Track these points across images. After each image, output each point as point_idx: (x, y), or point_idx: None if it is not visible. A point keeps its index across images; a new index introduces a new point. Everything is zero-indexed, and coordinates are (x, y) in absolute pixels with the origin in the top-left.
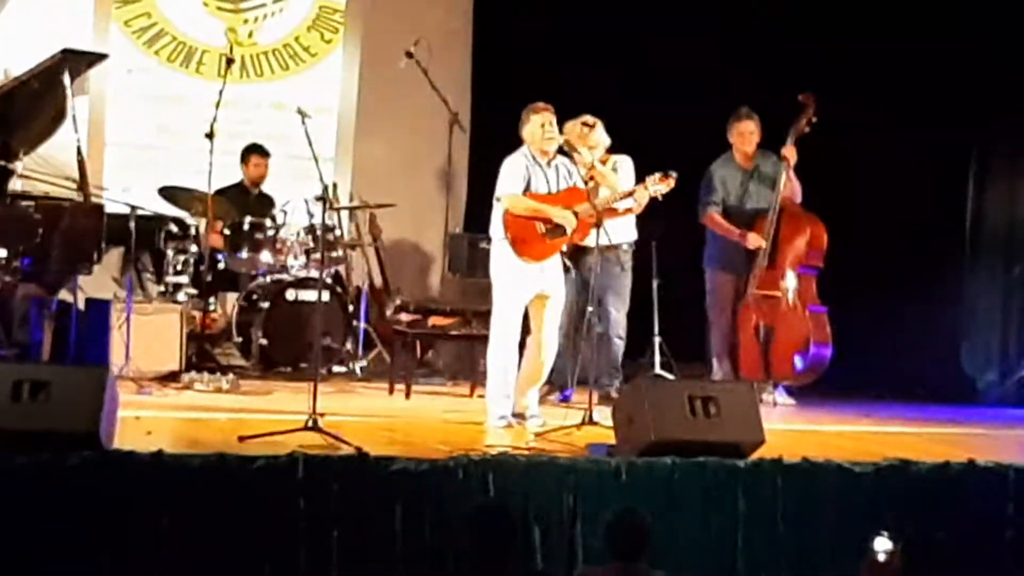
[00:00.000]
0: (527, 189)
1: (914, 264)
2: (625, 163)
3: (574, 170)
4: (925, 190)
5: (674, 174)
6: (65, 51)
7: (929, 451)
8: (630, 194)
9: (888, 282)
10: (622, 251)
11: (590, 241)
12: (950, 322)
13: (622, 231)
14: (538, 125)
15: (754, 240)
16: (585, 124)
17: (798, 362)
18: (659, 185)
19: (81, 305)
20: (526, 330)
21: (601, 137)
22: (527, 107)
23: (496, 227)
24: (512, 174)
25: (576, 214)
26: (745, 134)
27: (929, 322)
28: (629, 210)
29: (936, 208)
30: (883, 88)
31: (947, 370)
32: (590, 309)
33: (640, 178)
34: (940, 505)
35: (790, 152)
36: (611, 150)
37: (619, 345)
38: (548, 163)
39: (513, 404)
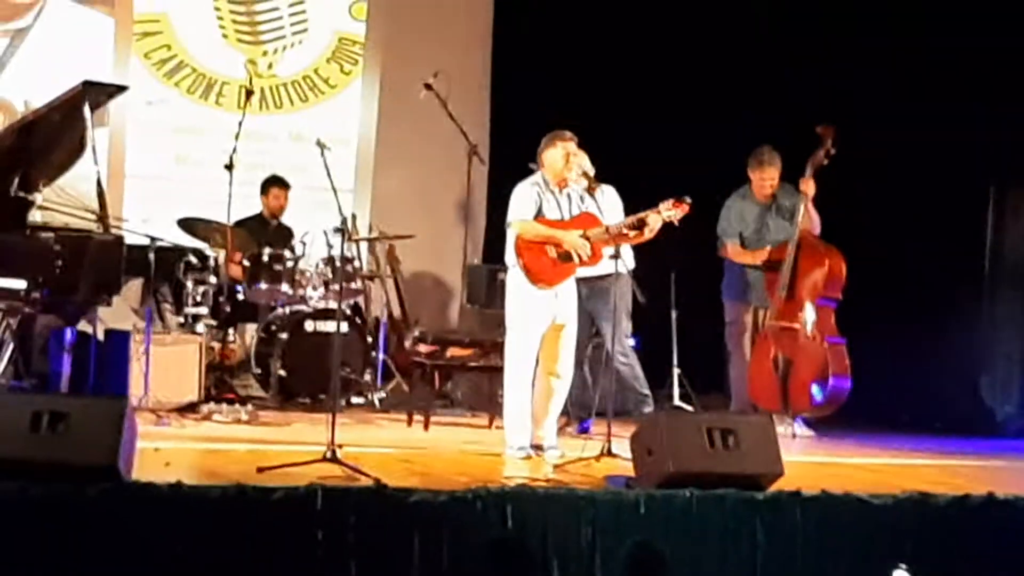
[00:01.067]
0: (538, 214)
1: (933, 296)
2: (610, 192)
3: (586, 196)
4: (944, 223)
5: (688, 199)
6: (85, 83)
7: (948, 484)
8: (643, 219)
9: (907, 314)
10: (609, 281)
11: (584, 271)
12: (969, 354)
13: (604, 264)
14: (561, 154)
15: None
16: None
17: (817, 394)
18: (672, 211)
19: (100, 336)
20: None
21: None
22: (552, 133)
23: (509, 254)
24: (522, 200)
25: (588, 239)
26: (766, 181)
27: (948, 354)
28: (640, 235)
29: (956, 241)
30: (903, 121)
31: (967, 402)
32: (608, 340)
33: (655, 203)
34: (959, 538)
35: (808, 185)
36: (630, 179)
37: (624, 370)
38: (560, 190)
39: (531, 435)
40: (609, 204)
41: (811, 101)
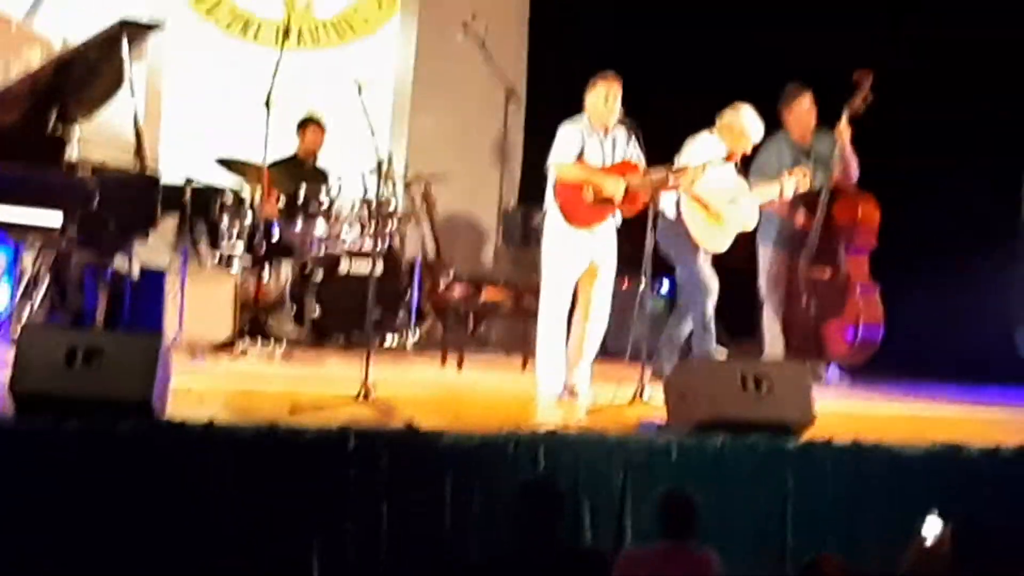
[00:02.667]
0: (580, 157)
1: (969, 245)
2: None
3: (632, 142)
4: (981, 172)
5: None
6: (123, 22)
7: (982, 434)
8: (679, 169)
9: (942, 262)
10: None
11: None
12: (1004, 302)
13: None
14: (601, 96)
15: (804, 218)
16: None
17: (850, 341)
18: (724, 164)
19: (136, 273)
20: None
21: None
22: (596, 74)
23: (548, 195)
24: (565, 142)
25: (627, 186)
26: (803, 112)
27: (983, 302)
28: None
29: (992, 190)
30: (942, 66)
31: (1001, 351)
32: (643, 284)
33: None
34: (990, 489)
35: (845, 131)
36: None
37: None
38: (605, 134)
39: (564, 378)
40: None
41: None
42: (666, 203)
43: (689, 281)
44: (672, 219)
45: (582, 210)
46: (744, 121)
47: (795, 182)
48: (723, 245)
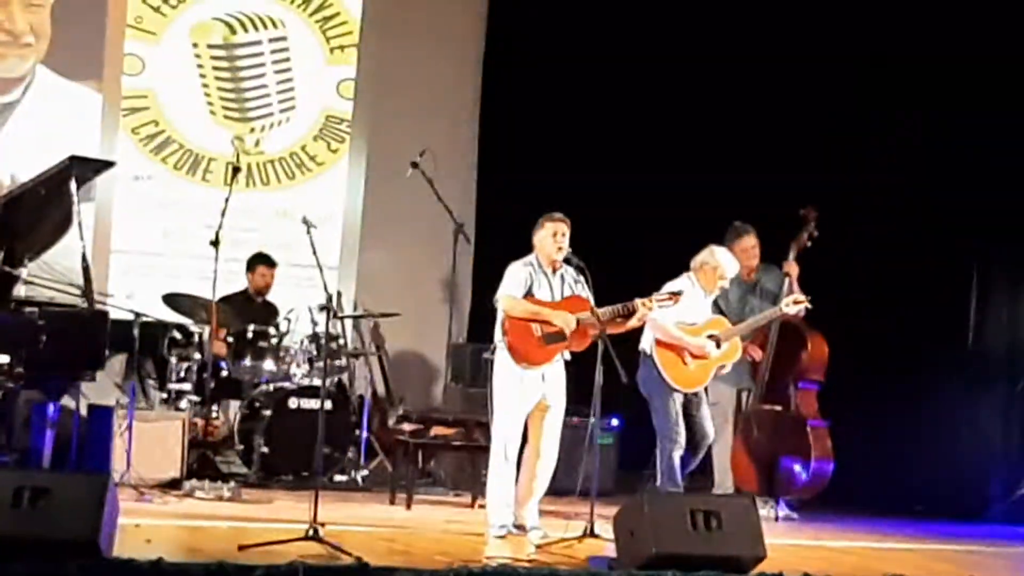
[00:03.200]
0: (528, 294)
1: (916, 380)
2: None
3: (580, 279)
4: (927, 307)
5: (680, 293)
6: (72, 158)
7: (931, 569)
8: (631, 309)
9: (891, 397)
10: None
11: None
12: (953, 437)
13: None
14: (550, 234)
15: (754, 351)
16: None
17: (800, 476)
18: (666, 303)
19: (83, 411)
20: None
21: None
22: (544, 215)
23: (497, 331)
24: (513, 278)
25: (578, 321)
26: (748, 249)
27: (932, 438)
28: (625, 323)
29: (939, 325)
30: (887, 206)
31: (950, 486)
32: (592, 420)
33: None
34: None
35: (792, 267)
36: (619, 256)
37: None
38: (553, 271)
39: (514, 515)
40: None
41: (793, 184)
42: (645, 342)
43: (657, 423)
44: (648, 356)
45: (532, 350)
46: (719, 258)
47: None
48: (697, 383)
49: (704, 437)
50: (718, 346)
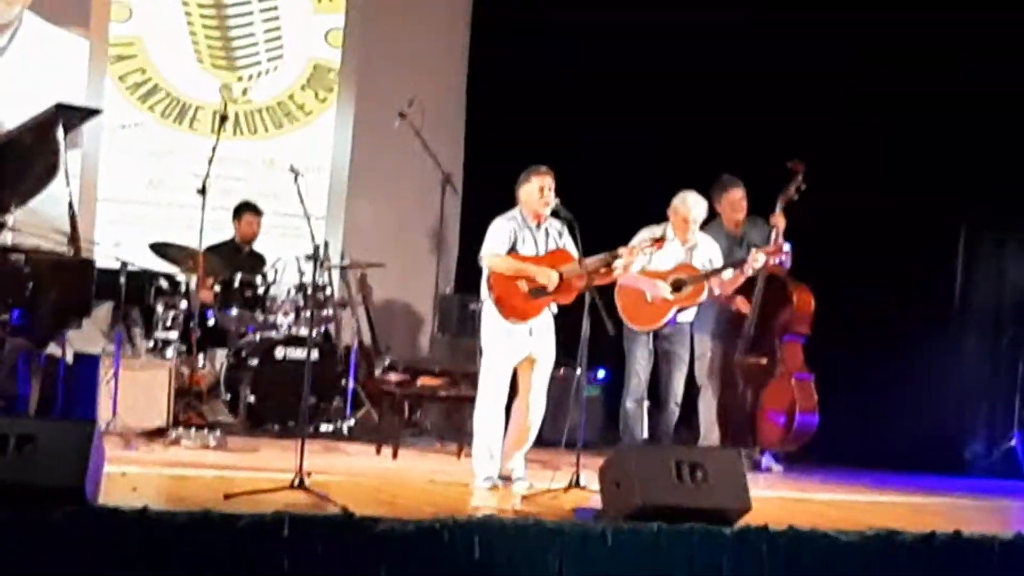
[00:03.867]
0: (512, 250)
1: (902, 333)
2: (706, 241)
3: (564, 232)
4: (914, 261)
5: (665, 238)
6: (59, 106)
7: (915, 521)
8: (616, 257)
9: (876, 350)
10: (686, 325)
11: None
12: (938, 392)
13: (688, 313)
14: (536, 188)
15: (741, 304)
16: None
17: (784, 429)
18: (650, 248)
19: (70, 359)
20: (514, 392)
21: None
22: (528, 168)
23: (483, 288)
24: (497, 235)
25: (561, 275)
26: (735, 201)
27: (917, 391)
28: (610, 273)
29: (925, 278)
30: (876, 156)
31: (934, 440)
32: (579, 372)
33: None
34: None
35: (779, 219)
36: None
37: (676, 413)
38: (538, 225)
39: (500, 466)
40: (708, 254)
41: (781, 137)
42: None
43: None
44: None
45: (518, 305)
46: (686, 203)
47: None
48: (650, 323)
49: (669, 395)
50: (679, 289)
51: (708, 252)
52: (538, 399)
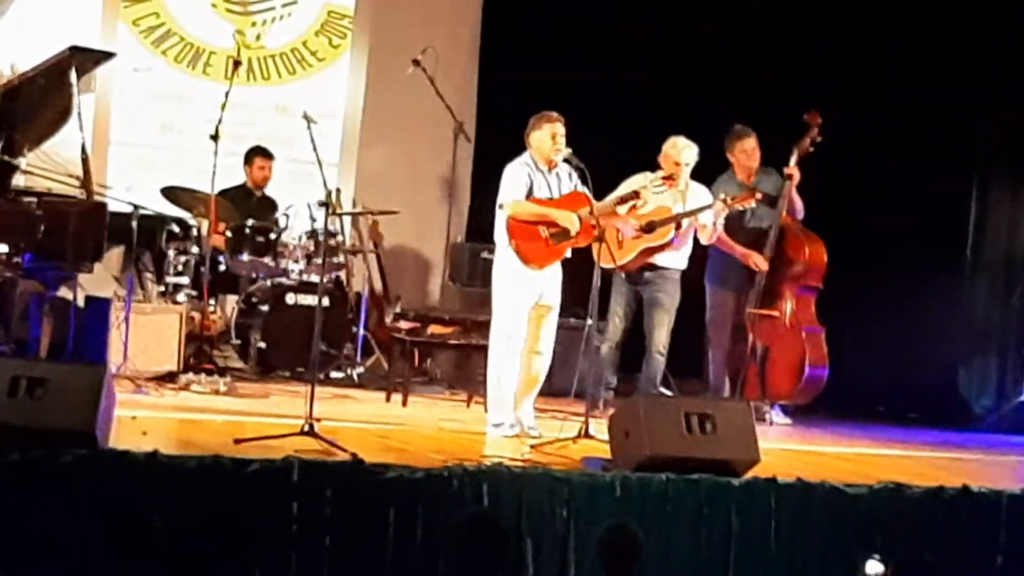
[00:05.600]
0: (529, 195)
1: (913, 287)
2: (697, 188)
3: (575, 176)
4: (926, 213)
5: (672, 178)
6: (72, 48)
7: (923, 475)
8: (633, 197)
9: (886, 304)
10: (672, 271)
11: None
12: (948, 346)
13: (673, 258)
14: (548, 134)
15: (759, 261)
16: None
17: (794, 382)
18: (662, 187)
19: (81, 303)
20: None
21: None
22: (539, 114)
23: (500, 234)
24: (515, 181)
25: (580, 217)
26: (748, 151)
27: (927, 345)
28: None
29: (937, 232)
30: (888, 110)
31: (944, 394)
32: (589, 322)
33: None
34: (933, 530)
35: (794, 171)
36: (618, 158)
37: (660, 361)
38: (549, 170)
39: (512, 414)
40: (698, 201)
41: (795, 88)
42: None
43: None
44: None
45: (539, 252)
46: (676, 147)
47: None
48: (621, 258)
49: (652, 342)
50: (652, 230)
51: (698, 199)
52: (548, 346)
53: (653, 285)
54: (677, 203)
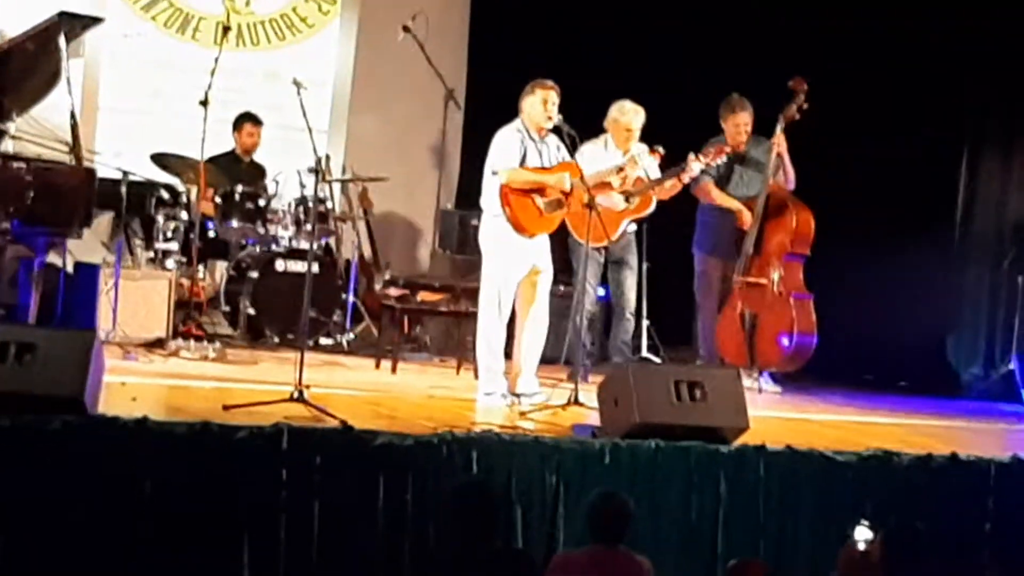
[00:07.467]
0: (522, 163)
1: (902, 255)
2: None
3: (563, 147)
4: (916, 181)
5: (661, 149)
6: (61, 14)
7: (912, 443)
8: (621, 169)
9: (875, 272)
10: (630, 232)
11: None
12: (937, 314)
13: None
14: (540, 100)
15: (747, 218)
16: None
17: (783, 349)
18: (649, 158)
19: (70, 269)
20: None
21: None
22: (532, 81)
23: (491, 202)
24: (508, 147)
25: (572, 184)
26: (740, 125)
27: (916, 313)
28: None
29: (926, 200)
30: (877, 77)
31: (932, 362)
32: (566, 287)
33: None
34: (921, 497)
35: (780, 139)
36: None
37: (631, 323)
38: (541, 138)
39: (510, 382)
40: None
41: (784, 56)
42: None
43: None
44: None
45: (533, 220)
46: (625, 112)
47: (645, 163)
48: (597, 240)
49: (621, 305)
50: (628, 200)
51: (645, 163)
52: (543, 312)
53: (617, 247)
54: (635, 169)
